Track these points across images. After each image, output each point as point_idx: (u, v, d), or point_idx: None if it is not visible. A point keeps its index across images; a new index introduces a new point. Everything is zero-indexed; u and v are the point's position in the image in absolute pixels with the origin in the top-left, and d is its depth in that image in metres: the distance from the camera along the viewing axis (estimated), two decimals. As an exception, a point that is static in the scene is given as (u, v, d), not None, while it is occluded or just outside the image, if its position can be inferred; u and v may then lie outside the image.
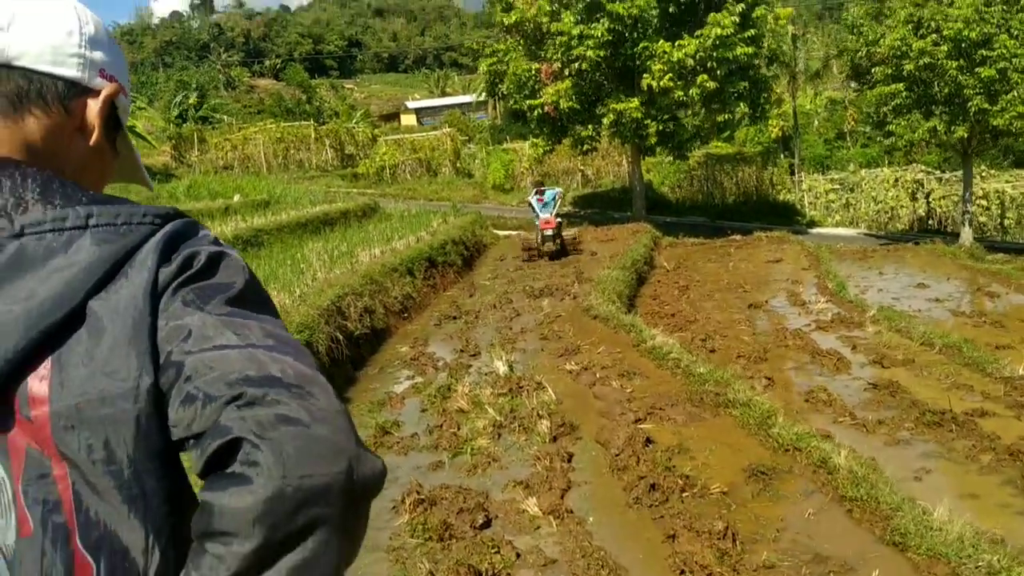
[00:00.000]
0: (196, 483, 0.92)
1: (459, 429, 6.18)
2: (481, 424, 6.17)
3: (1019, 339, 9.85)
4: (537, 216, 14.96)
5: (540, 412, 6.26)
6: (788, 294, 12.21)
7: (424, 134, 38.37)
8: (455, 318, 10.59)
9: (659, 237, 18.05)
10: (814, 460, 4.99)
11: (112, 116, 1.12)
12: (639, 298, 12.38)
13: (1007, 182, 27.18)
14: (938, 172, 28.58)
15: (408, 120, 74.38)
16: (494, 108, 53.65)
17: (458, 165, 34.98)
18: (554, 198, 14.99)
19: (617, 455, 5.33)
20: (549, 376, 7.32)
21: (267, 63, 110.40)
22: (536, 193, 15.27)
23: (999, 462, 5.74)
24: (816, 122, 46.66)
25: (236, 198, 19.86)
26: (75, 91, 1.06)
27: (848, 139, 43.32)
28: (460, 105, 68.83)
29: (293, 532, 0.81)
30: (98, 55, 1.08)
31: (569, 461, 5.41)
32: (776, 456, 5.20)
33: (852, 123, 39.93)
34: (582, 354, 8.05)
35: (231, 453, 0.84)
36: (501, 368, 7.52)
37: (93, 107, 1.07)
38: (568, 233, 15.89)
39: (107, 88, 1.09)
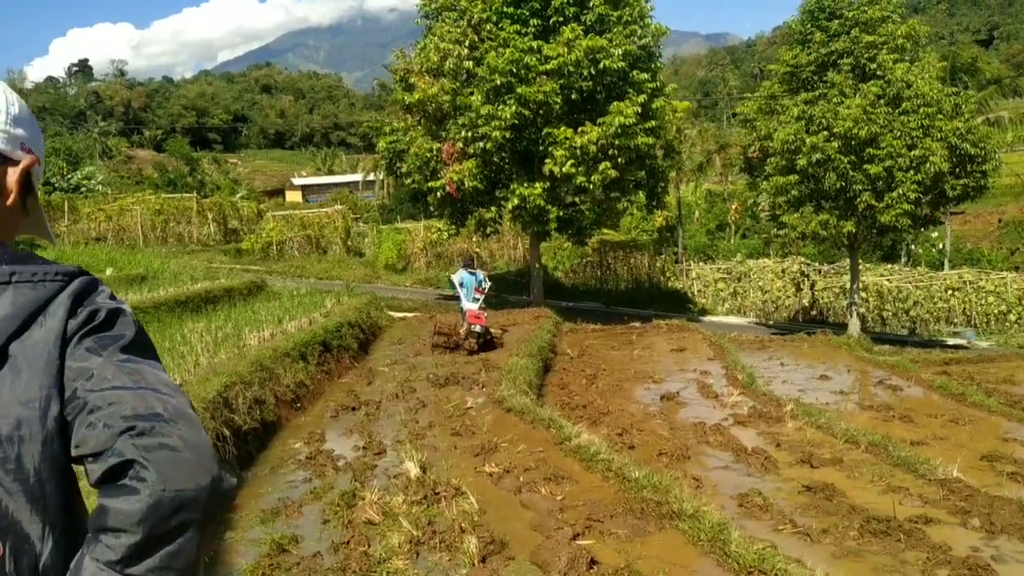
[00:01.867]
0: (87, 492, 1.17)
1: (369, 547, 5.34)
2: (396, 540, 5.34)
3: (930, 434, 9.78)
4: (462, 300, 13.76)
5: (463, 525, 5.51)
6: (699, 385, 11.90)
7: (314, 210, 37.39)
8: (354, 409, 9.71)
9: (560, 322, 17.67)
10: (784, 586, 4.43)
11: (27, 182, 1.33)
12: (547, 387, 11.81)
13: (882, 275, 28.46)
14: (816, 264, 29.74)
15: (293, 196, 73.24)
16: (381, 187, 53.19)
17: (349, 243, 34.07)
18: (481, 283, 13.85)
19: (559, 580, 4.63)
20: (467, 480, 6.57)
21: (147, 134, 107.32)
22: (465, 267, 14.14)
23: (958, 577, 5.35)
24: (697, 213, 48.43)
25: (108, 272, 18.35)
26: None
27: (728, 230, 45.00)
28: (347, 184, 68.25)
29: (168, 530, 1.05)
30: (20, 131, 1.31)
31: (504, 588, 4.67)
32: (740, 581, 4.62)
33: (736, 215, 41.45)
34: (500, 453, 7.36)
35: (123, 470, 1.07)
36: (413, 470, 6.71)
37: (12, 174, 1.30)
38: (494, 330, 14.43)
39: (25, 160, 1.32)
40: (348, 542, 5.42)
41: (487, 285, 14.12)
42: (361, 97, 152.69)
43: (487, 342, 13.48)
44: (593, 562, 4.83)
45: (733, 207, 43.94)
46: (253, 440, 8.03)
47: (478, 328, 13.12)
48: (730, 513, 6.47)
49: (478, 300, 13.57)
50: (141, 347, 1.22)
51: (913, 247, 38.05)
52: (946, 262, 36.23)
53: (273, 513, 6.18)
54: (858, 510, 6.45)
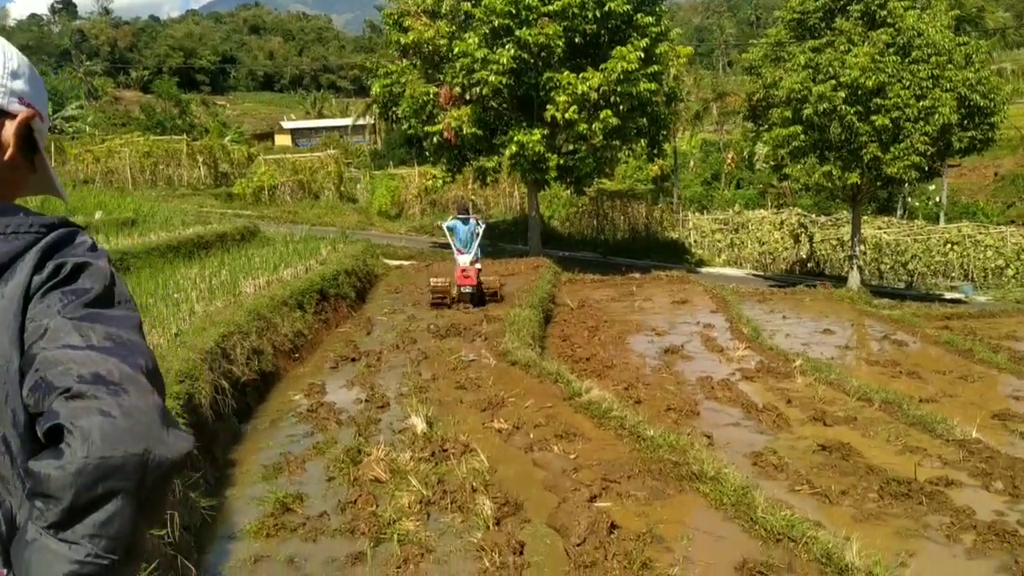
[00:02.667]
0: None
1: (377, 506, 5.14)
2: (405, 500, 5.13)
3: (939, 392, 9.63)
4: (455, 255, 12.84)
5: (474, 484, 5.31)
6: (703, 338, 11.69)
7: (305, 155, 36.74)
8: (354, 360, 9.46)
9: (559, 272, 17.40)
10: (816, 555, 4.24)
11: (29, 138, 1.31)
12: (548, 339, 11.60)
13: (879, 228, 28.22)
14: (813, 216, 29.46)
15: (283, 140, 72.18)
16: (372, 132, 52.33)
17: (342, 189, 33.55)
18: (474, 232, 12.75)
19: (579, 545, 4.43)
20: (476, 436, 6.36)
21: (134, 74, 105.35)
22: (458, 216, 13.01)
23: (985, 543, 5.19)
24: (692, 163, 47.90)
25: (98, 215, 17.92)
26: None
27: (723, 180, 44.54)
28: (337, 128, 67.28)
29: (94, 498, 1.02)
30: (18, 85, 1.29)
31: (521, 553, 4.46)
32: (768, 548, 4.43)
33: (731, 165, 40.94)
34: (508, 408, 7.14)
35: (56, 434, 1.05)
36: (419, 425, 6.49)
37: (9, 128, 1.27)
38: (489, 278, 13.35)
39: (23, 113, 1.29)
40: (355, 501, 5.21)
41: (480, 229, 12.94)
42: (351, 39, 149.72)
43: (481, 299, 12.81)
44: (613, 526, 4.64)
45: (728, 157, 43.43)
46: (252, 392, 7.79)
47: (467, 289, 12.43)
48: (745, 473, 6.30)
49: (473, 253, 12.62)
50: (108, 302, 1.19)
51: (909, 200, 37.75)
52: (942, 215, 35.98)
53: (275, 469, 5.96)
54: (876, 471, 6.29)
